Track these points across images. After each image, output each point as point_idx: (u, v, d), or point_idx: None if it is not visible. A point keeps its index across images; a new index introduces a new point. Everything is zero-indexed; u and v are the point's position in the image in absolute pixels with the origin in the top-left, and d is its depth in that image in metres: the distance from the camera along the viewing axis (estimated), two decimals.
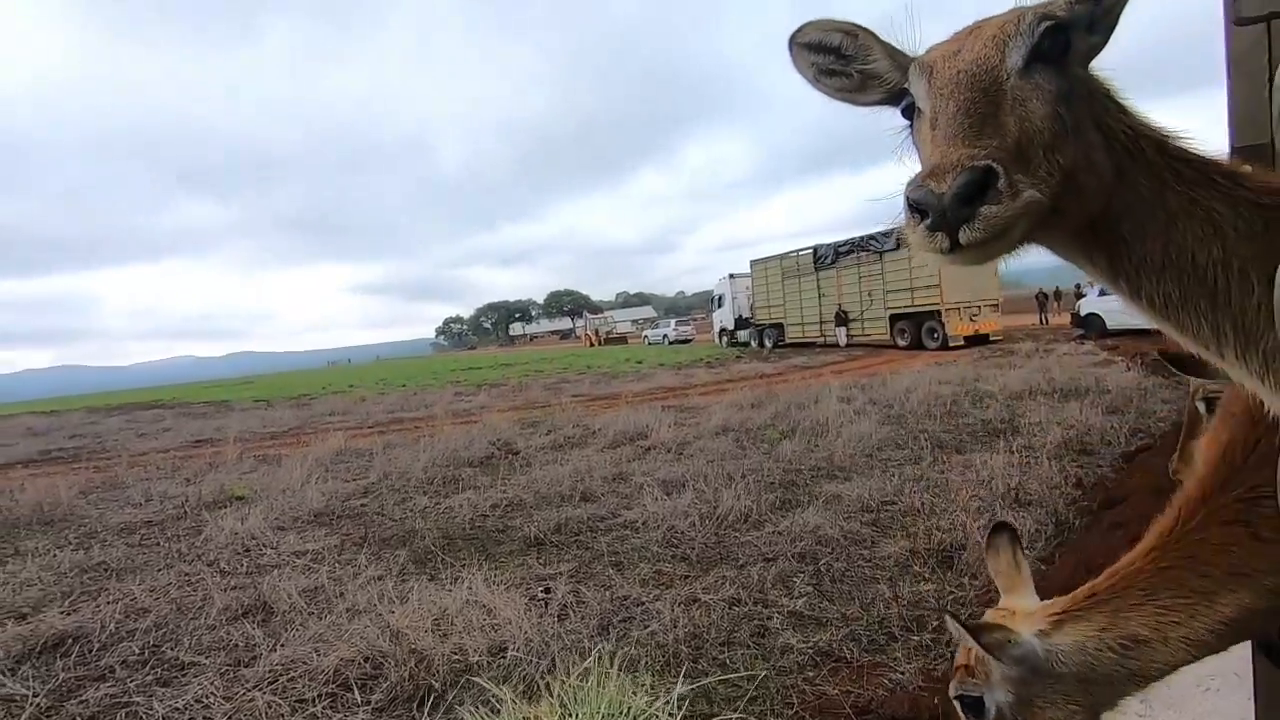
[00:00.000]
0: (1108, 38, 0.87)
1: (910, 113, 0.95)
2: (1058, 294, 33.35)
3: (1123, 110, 0.91)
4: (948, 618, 1.32)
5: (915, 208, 0.76)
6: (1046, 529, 3.99)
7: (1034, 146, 0.80)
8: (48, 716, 2.85)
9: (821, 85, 1.01)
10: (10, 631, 3.58)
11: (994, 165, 0.74)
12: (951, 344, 19.96)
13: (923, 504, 4.62)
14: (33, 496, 7.14)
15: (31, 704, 2.88)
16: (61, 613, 3.89)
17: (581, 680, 1.76)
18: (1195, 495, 1.23)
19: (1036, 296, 30.54)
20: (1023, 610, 1.36)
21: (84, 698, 2.96)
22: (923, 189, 0.75)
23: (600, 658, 1.80)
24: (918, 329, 21.34)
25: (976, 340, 20.43)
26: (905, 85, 0.93)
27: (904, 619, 3.07)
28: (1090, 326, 18.51)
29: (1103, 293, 18.59)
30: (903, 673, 2.65)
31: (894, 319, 22.20)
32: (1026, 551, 1.92)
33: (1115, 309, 17.66)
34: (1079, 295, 24.85)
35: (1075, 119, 0.83)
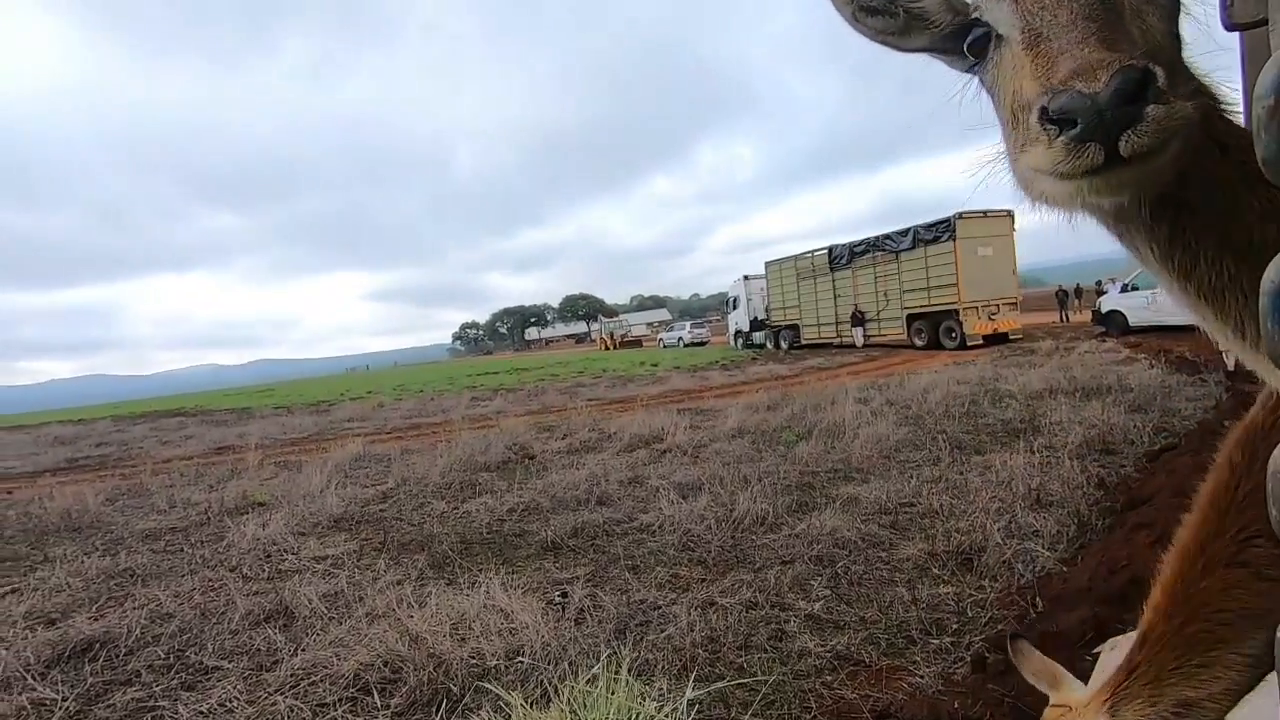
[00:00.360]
0: None
1: (980, 50, 0.82)
2: (1078, 291, 32.91)
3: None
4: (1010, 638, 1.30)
5: (1057, 116, 0.64)
6: (1068, 530, 3.94)
7: (1160, 60, 0.66)
8: (77, 719, 2.91)
9: (861, 26, 0.90)
10: (40, 636, 3.66)
11: (1150, 66, 0.63)
12: (970, 343, 19.74)
13: (941, 505, 4.58)
14: (61, 504, 7.28)
15: (61, 708, 2.94)
16: (89, 618, 3.97)
17: (591, 686, 1.77)
18: (1192, 544, 1.23)
19: (1056, 294, 30.14)
20: (1077, 703, 1.39)
21: (111, 702, 3.01)
22: (1065, 92, 0.63)
23: (609, 663, 1.80)
24: (935, 328, 21.13)
25: (995, 339, 20.19)
26: (973, 16, 0.82)
27: (923, 622, 3.05)
28: (1112, 324, 18.20)
29: (1125, 289, 18.32)
30: (922, 676, 2.63)
31: (911, 319, 22.00)
32: (1049, 552, 1.91)
33: (1138, 306, 17.39)
34: (1100, 292, 24.50)
35: (1181, 47, 0.73)
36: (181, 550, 5.51)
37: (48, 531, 6.66)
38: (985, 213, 20.64)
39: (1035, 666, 1.54)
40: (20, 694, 3.08)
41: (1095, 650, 2.39)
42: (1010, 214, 20.97)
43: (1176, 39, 0.72)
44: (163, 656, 3.46)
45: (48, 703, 3.00)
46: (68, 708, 2.96)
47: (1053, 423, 6.85)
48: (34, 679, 3.22)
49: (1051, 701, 1.47)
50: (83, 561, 5.26)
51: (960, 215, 20.13)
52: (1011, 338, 20.47)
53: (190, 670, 3.30)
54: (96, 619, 3.96)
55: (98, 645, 3.62)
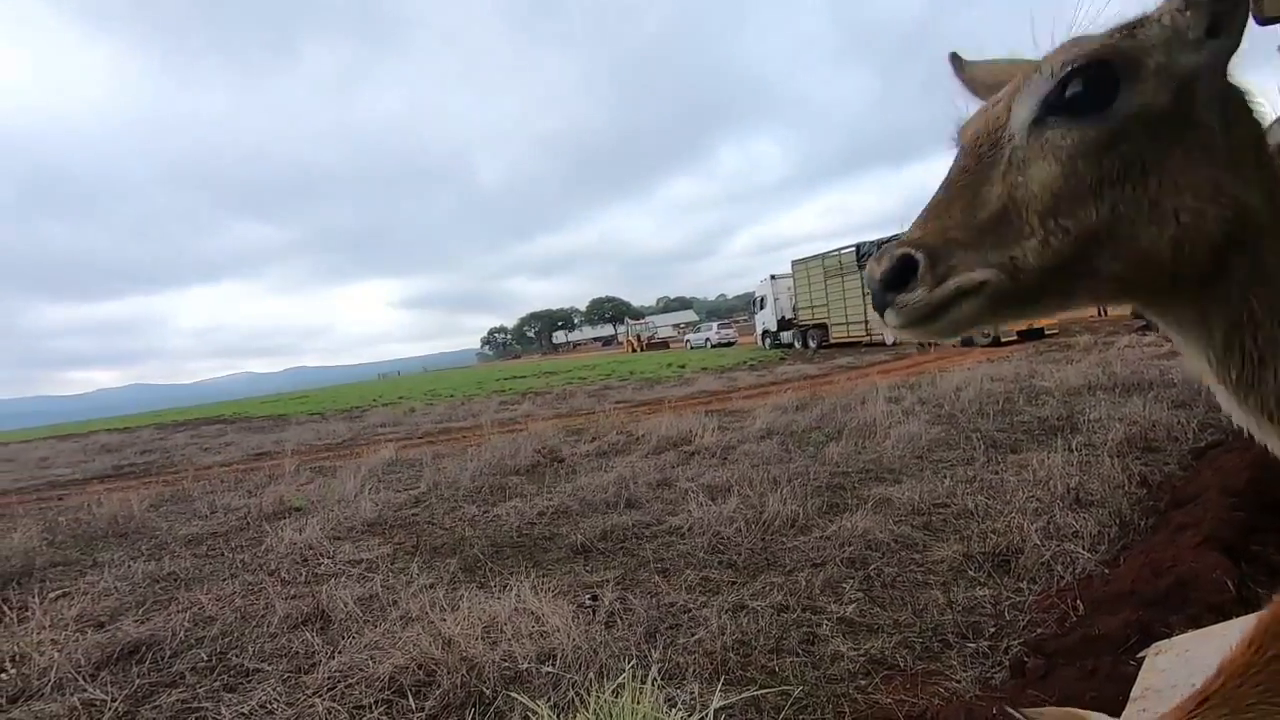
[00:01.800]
0: (1231, 43, 0.71)
1: None
2: None
3: (1259, 146, 0.75)
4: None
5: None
6: (1110, 531, 3.83)
7: (1023, 216, 0.72)
8: None
9: None
10: (90, 639, 3.78)
11: (912, 253, 0.73)
12: (1004, 339, 19.33)
13: (976, 506, 4.49)
14: (109, 510, 7.53)
15: (110, 709, 3.04)
16: (136, 621, 4.10)
17: (616, 695, 1.77)
18: None
19: None
20: None
21: (158, 703, 3.10)
22: (866, 267, 0.77)
23: (636, 670, 1.80)
24: None
25: (1030, 335, 19.74)
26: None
27: (959, 625, 2.99)
28: None
29: None
30: (959, 681, 2.58)
31: None
32: (1089, 553, 1.82)
33: None
34: None
35: (1123, 167, 0.71)
36: (222, 555, 5.66)
37: (96, 537, 6.89)
38: None
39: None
40: (72, 695, 3.19)
41: (1139, 655, 2.32)
42: None
43: (1076, 178, 0.72)
44: (205, 659, 3.56)
45: (97, 703, 3.10)
46: (116, 708, 3.05)
47: (1092, 420, 6.67)
48: (84, 680, 3.34)
49: None
50: (129, 566, 5.43)
51: None
52: (1047, 333, 19.99)
53: (232, 672, 3.39)
54: (143, 622, 4.09)
55: (144, 648, 3.74)
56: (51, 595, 4.74)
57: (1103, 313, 27.52)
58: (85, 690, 3.22)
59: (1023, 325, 19.60)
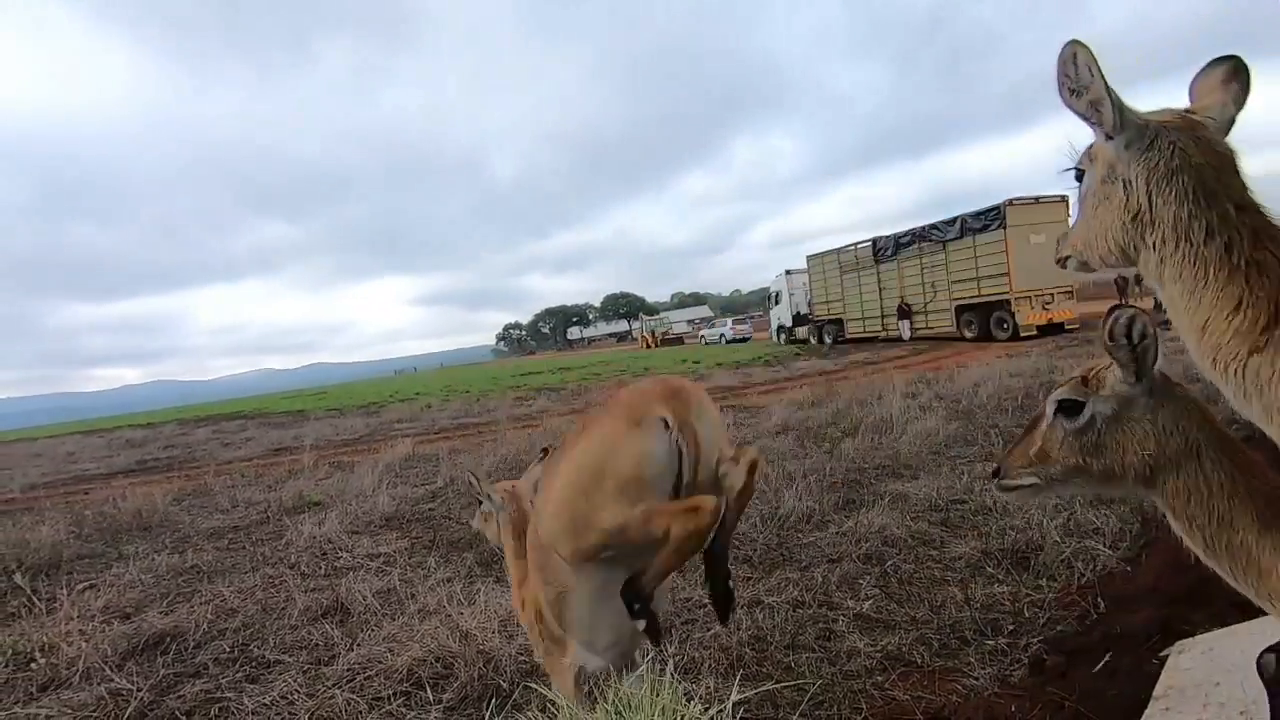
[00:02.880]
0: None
1: None
2: (1138, 278, 31.47)
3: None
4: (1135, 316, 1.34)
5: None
6: (1131, 527, 3.77)
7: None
8: (150, 710, 3.06)
9: None
10: (116, 630, 3.86)
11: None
12: (1023, 334, 19.11)
13: (995, 502, 4.44)
14: (133, 504, 7.66)
15: (136, 699, 3.10)
16: (160, 613, 4.17)
17: (635, 687, 1.77)
18: None
19: (1115, 281, 28.86)
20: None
21: (181, 693, 3.16)
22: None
23: (653, 664, 1.81)
24: (986, 319, 20.52)
25: (1050, 330, 19.50)
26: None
27: (977, 622, 2.97)
28: None
29: None
30: (977, 678, 2.56)
31: (960, 310, 21.41)
32: (1110, 550, 1.81)
33: None
34: None
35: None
36: (243, 548, 5.75)
37: (121, 530, 7.02)
38: (1038, 199, 19.94)
39: None
40: (99, 684, 3.26)
41: (1162, 653, 2.29)
42: (1064, 199, 20.21)
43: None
44: (228, 650, 3.62)
45: (124, 693, 3.16)
46: (142, 698, 3.11)
47: None
48: (111, 670, 3.41)
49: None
50: (153, 559, 5.53)
51: (1011, 202, 19.48)
52: (1068, 328, 19.73)
53: (254, 664, 3.44)
54: (167, 614, 4.16)
55: (168, 639, 3.81)
56: (79, 587, 4.84)
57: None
58: (112, 680, 3.29)
59: (1042, 320, 19.34)
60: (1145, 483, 1.35)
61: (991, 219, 19.89)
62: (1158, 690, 2.02)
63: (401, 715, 2.76)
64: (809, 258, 28.78)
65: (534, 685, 2.54)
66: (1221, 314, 1.11)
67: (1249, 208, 1.14)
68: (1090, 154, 1.31)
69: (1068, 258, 1.54)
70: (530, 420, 12.88)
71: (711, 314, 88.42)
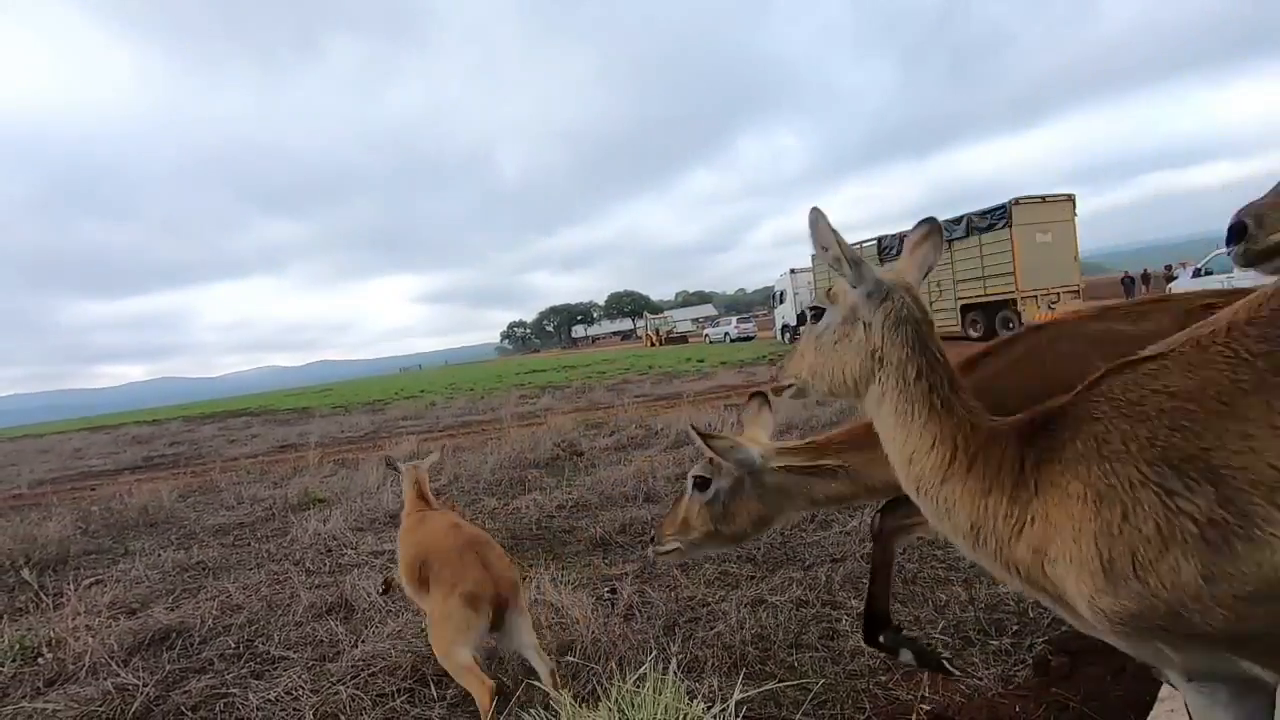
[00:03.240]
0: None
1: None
2: (1145, 277, 31.41)
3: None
4: (690, 428, 2.08)
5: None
6: None
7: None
8: (156, 705, 3.07)
9: None
10: (123, 626, 3.88)
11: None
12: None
13: None
14: (139, 500, 7.71)
15: (142, 694, 3.12)
16: (166, 609, 4.19)
17: (638, 686, 1.77)
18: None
19: (1122, 280, 28.81)
20: (753, 439, 2.13)
21: (187, 688, 3.18)
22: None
23: (656, 663, 1.81)
24: (991, 319, 20.44)
25: None
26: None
27: (980, 623, 2.96)
28: None
29: (1197, 273, 17.36)
30: (980, 679, 2.55)
31: (965, 309, 21.34)
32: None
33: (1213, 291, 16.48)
34: (1170, 278, 23.32)
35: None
36: (249, 545, 5.77)
37: (128, 526, 7.06)
38: (1044, 198, 19.85)
39: (749, 415, 2.31)
40: (106, 679, 3.28)
41: None
42: (1071, 198, 20.13)
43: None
44: (233, 646, 3.63)
45: (130, 688, 3.18)
46: (148, 693, 3.13)
47: None
48: (117, 665, 3.43)
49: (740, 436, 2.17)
50: (159, 555, 5.56)
51: (1017, 201, 19.40)
52: None
53: (259, 660, 3.45)
54: (173, 609, 4.18)
55: (174, 634, 3.83)
56: (86, 583, 4.87)
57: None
58: (119, 675, 3.30)
59: (1048, 319, 19.26)
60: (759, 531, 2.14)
61: (997, 218, 19.81)
62: (1163, 692, 2.01)
63: (405, 712, 2.76)
64: (814, 256, 28.70)
65: (536, 683, 2.55)
66: (924, 448, 1.35)
67: (942, 360, 1.40)
68: (831, 296, 1.54)
69: (789, 385, 1.72)
70: (534, 419, 12.90)
71: (716, 312, 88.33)
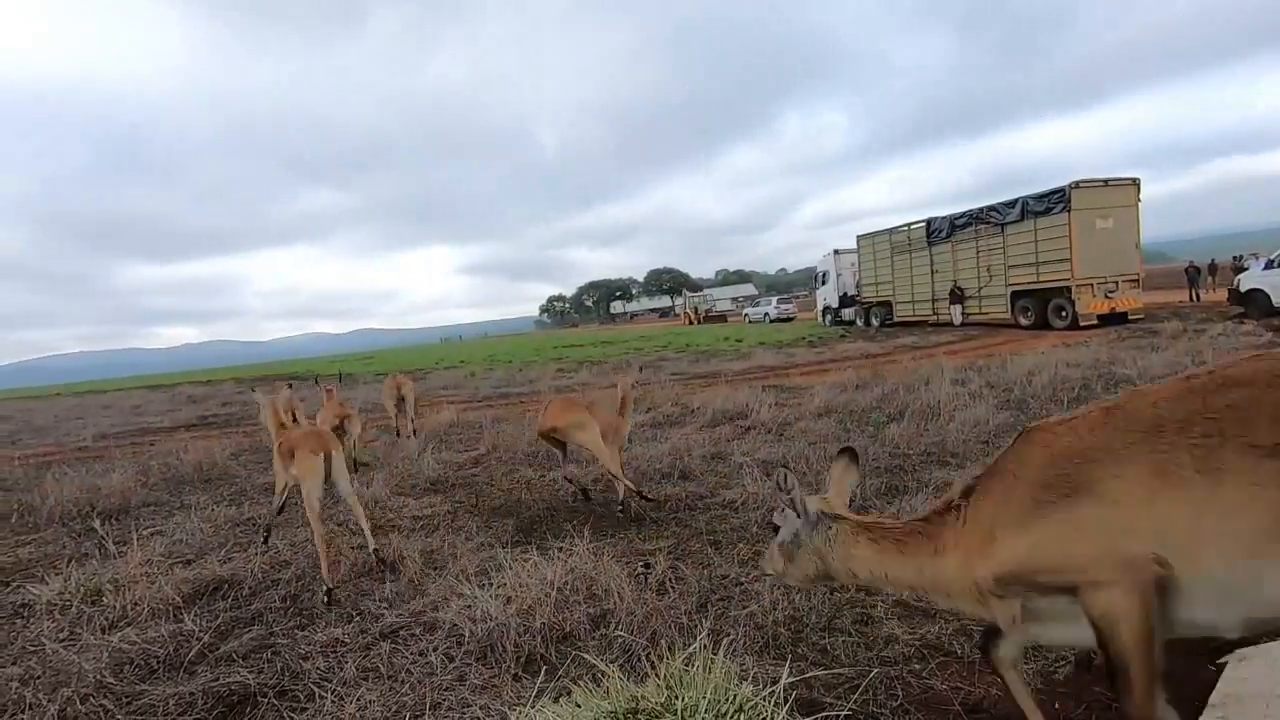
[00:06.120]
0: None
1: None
2: (1212, 267, 29.94)
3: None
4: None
5: None
6: None
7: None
8: (210, 650, 3.23)
9: None
10: (179, 575, 4.08)
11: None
12: (1082, 323, 18.35)
13: None
14: (194, 457, 8.05)
15: (198, 639, 3.28)
16: (219, 561, 4.39)
17: (687, 664, 1.78)
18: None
19: (1186, 270, 27.43)
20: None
21: (239, 637, 3.33)
22: None
23: (706, 643, 1.82)
24: (1043, 307, 19.75)
25: (1112, 319, 18.67)
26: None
27: None
28: (1253, 304, 16.37)
29: (1270, 265, 16.45)
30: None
31: (1015, 296, 20.67)
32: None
33: None
34: (1239, 269, 22.15)
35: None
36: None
37: (184, 481, 7.39)
38: (1106, 181, 18.99)
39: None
40: (166, 623, 3.46)
41: (1220, 660, 2.20)
42: (1135, 182, 19.22)
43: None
44: (280, 600, 3.79)
45: (186, 635, 3.35)
46: (203, 640, 3.29)
47: None
48: (177, 611, 3.61)
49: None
50: (213, 510, 5.81)
51: (1077, 184, 18.59)
52: (1131, 318, 18.87)
53: (304, 613, 3.60)
54: (225, 562, 4.37)
55: (226, 585, 4.01)
56: (146, 532, 5.12)
57: (1195, 298, 25.77)
58: (181, 620, 3.48)
59: (1104, 309, 18.54)
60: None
61: (1055, 202, 19.01)
62: (1214, 698, 1.95)
63: (443, 670, 2.84)
64: (859, 237, 28.09)
65: (586, 655, 2.59)
66: (893, 571, 2.02)
67: (870, 521, 2.11)
68: (784, 518, 2.18)
69: (769, 574, 2.33)
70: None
71: (756, 292, 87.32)
